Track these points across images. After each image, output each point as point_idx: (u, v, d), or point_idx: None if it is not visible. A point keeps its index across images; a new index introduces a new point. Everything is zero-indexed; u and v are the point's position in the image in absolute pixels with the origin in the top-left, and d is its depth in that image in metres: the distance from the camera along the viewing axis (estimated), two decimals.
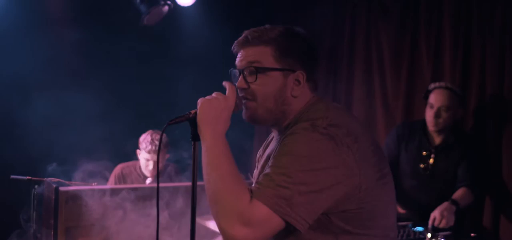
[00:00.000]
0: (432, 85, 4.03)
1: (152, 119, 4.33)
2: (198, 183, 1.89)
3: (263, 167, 2.01)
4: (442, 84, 3.99)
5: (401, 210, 4.11)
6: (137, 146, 4.33)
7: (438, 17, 4.59)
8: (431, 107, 3.96)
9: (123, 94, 5.15)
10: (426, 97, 4.04)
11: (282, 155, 1.76)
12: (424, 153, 4.01)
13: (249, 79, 1.91)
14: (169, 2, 4.90)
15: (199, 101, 1.88)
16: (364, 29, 5.20)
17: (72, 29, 4.89)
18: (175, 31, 5.48)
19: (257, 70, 1.89)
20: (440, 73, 4.53)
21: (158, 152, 1.94)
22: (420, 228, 3.67)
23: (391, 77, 4.97)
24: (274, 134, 2.09)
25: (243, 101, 1.94)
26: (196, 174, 1.86)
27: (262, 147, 2.21)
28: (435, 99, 3.94)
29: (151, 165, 4.26)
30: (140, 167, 4.36)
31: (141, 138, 4.29)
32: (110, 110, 4.79)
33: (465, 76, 4.37)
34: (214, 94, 1.90)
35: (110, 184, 4.23)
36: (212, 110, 1.84)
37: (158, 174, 2.00)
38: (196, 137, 1.86)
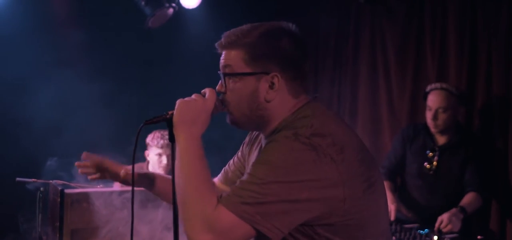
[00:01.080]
0: (429, 87, 4.03)
1: None
2: None
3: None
4: (438, 85, 3.98)
5: (405, 212, 4.10)
6: (141, 147, 4.33)
7: (443, 17, 4.58)
8: (429, 109, 3.97)
9: (127, 97, 5.15)
10: (425, 98, 4.04)
11: (259, 163, 1.71)
12: (429, 154, 4.00)
13: (224, 84, 1.87)
14: (173, 5, 4.90)
15: (177, 102, 1.84)
16: (369, 30, 5.19)
17: (76, 31, 4.90)
18: (180, 33, 5.48)
19: (228, 75, 1.85)
20: (445, 73, 4.52)
21: (134, 153, 1.91)
22: (426, 231, 3.66)
23: (396, 78, 4.96)
24: (260, 137, 2.03)
25: (220, 106, 1.89)
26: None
27: (250, 142, 2.17)
28: (432, 100, 3.94)
29: (165, 160, 4.29)
30: (147, 168, 4.38)
31: (149, 138, 4.32)
32: (115, 112, 4.78)
33: (471, 75, 4.35)
34: (193, 96, 1.86)
35: (116, 187, 4.24)
36: (189, 112, 1.80)
37: (133, 175, 1.96)
38: (173, 138, 1.83)
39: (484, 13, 4.27)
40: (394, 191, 4.13)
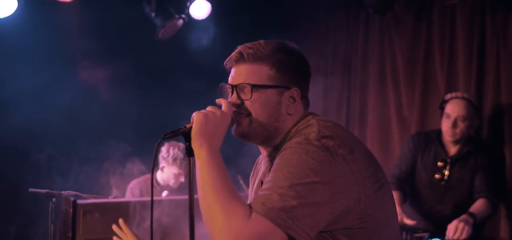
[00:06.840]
0: (448, 95, 4.01)
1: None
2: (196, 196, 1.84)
3: (256, 192, 1.97)
4: (459, 94, 3.97)
5: (409, 222, 4.06)
6: (149, 160, 4.34)
7: (451, 25, 4.59)
8: (448, 117, 3.93)
9: (138, 108, 5.18)
10: (441, 108, 4.01)
11: (279, 169, 1.72)
12: (439, 163, 3.98)
13: (244, 96, 1.88)
14: (183, 16, 4.94)
15: (194, 114, 1.83)
16: (378, 39, 5.20)
17: (86, 43, 4.93)
18: (190, 44, 5.51)
19: (253, 87, 1.86)
20: (454, 83, 4.52)
21: (152, 166, 1.91)
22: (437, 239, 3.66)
23: (405, 87, 4.96)
24: (262, 156, 2.04)
25: (236, 117, 1.89)
26: (192, 189, 1.80)
27: (253, 171, 2.18)
28: (452, 109, 3.91)
29: (182, 178, 4.29)
30: (156, 179, 4.38)
31: (165, 153, 4.31)
32: (125, 124, 4.80)
33: (480, 85, 4.36)
34: (209, 108, 1.85)
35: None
36: (208, 125, 1.79)
37: (152, 186, 1.96)
38: (191, 152, 1.81)
39: (492, 21, 4.27)
40: (403, 202, 4.08)
